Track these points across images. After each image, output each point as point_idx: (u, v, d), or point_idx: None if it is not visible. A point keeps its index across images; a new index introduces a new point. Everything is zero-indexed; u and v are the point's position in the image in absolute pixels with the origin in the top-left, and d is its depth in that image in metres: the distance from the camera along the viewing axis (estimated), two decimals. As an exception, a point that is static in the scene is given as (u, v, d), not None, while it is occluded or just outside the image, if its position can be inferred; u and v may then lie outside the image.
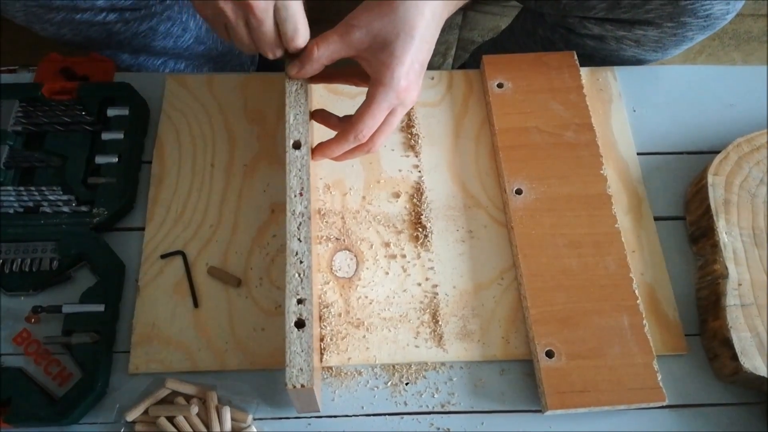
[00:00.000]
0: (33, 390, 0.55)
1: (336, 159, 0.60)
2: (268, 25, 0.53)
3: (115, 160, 0.65)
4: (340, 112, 0.61)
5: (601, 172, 0.66)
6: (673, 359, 0.60)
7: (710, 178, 0.63)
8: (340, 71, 0.62)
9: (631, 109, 0.73)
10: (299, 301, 0.51)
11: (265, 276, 0.62)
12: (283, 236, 0.63)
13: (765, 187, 0.63)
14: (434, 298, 0.61)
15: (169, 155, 0.68)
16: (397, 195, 0.67)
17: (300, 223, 0.54)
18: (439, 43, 0.57)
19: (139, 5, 0.76)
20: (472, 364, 0.59)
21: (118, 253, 0.62)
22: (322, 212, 0.65)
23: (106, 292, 0.59)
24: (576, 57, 0.72)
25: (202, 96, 0.71)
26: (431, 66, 0.58)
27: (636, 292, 0.60)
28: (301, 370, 0.49)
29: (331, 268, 0.62)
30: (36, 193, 0.63)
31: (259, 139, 0.69)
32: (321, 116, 0.61)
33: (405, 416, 0.57)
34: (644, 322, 0.58)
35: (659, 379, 0.56)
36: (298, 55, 0.56)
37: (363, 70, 0.57)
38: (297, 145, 0.57)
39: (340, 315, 0.60)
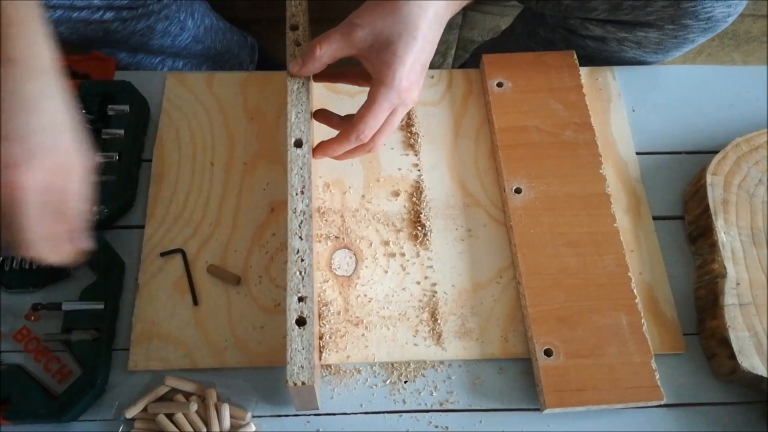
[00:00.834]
0: (33, 387, 0.55)
1: (337, 158, 0.60)
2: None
3: (115, 158, 0.65)
4: (341, 111, 0.61)
5: (600, 171, 0.66)
6: (671, 358, 0.60)
7: (709, 178, 0.64)
8: (342, 71, 0.62)
9: (630, 108, 0.73)
10: (300, 299, 0.51)
11: (264, 274, 0.62)
12: (282, 235, 0.64)
13: (763, 186, 0.64)
14: (433, 296, 0.61)
15: (169, 153, 0.68)
16: (396, 194, 0.67)
17: (301, 221, 0.54)
18: (439, 42, 0.57)
19: (137, 4, 0.76)
20: (471, 363, 0.59)
21: (118, 251, 0.62)
22: (322, 211, 0.65)
23: (106, 289, 0.60)
24: (575, 57, 0.72)
25: (202, 94, 0.71)
26: (431, 65, 0.58)
27: (634, 291, 0.60)
28: (302, 367, 0.49)
29: (331, 267, 0.62)
30: (36, 191, 0.63)
31: (258, 138, 0.69)
32: (322, 116, 0.61)
33: (404, 414, 0.57)
34: (642, 321, 0.59)
35: (657, 378, 0.56)
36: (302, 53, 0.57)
37: (365, 70, 0.57)
38: (298, 144, 0.57)
39: (339, 313, 0.60)
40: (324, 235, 0.64)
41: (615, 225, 0.63)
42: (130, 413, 0.55)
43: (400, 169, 0.68)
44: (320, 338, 0.59)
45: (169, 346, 0.58)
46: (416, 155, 0.69)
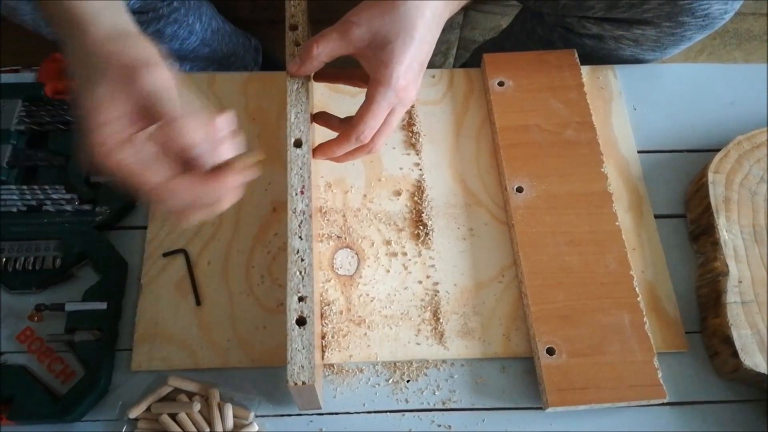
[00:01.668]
0: (36, 387, 0.56)
1: (337, 160, 0.60)
2: None
3: (118, 158, 0.66)
4: (341, 111, 0.61)
5: (602, 170, 0.66)
6: (673, 356, 0.60)
7: (711, 176, 0.63)
8: (342, 72, 0.62)
9: (631, 107, 0.73)
10: (300, 299, 0.51)
11: (266, 274, 0.62)
12: (284, 234, 0.63)
13: (765, 184, 0.63)
14: (435, 295, 0.62)
15: (171, 154, 0.68)
16: (398, 193, 0.67)
17: (301, 221, 0.54)
18: (440, 42, 0.57)
19: (147, 8, 0.76)
20: (473, 362, 0.59)
21: (121, 252, 0.62)
22: (324, 210, 0.65)
23: (109, 290, 0.60)
24: (576, 55, 0.72)
25: (204, 95, 0.72)
26: (432, 65, 0.58)
27: (636, 289, 0.60)
28: (303, 367, 0.49)
29: (333, 266, 0.63)
30: (39, 192, 0.63)
31: (260, 138, 0.69)
32: (322, 119, 0.61)
33: (406, 413, 0.57)
34: (645, 319, 0.59)
35: (660, 376, 0.56)
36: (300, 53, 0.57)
37: (364, 71, 0.57)
38: (298, 144, 0.57)
39: (341, 313, 0.60)
40: (326, 235, 0.64)
41: (617, 223, 0.63)
42: (134, 413, 0.55)
43: (401, 169, 0.68)
44: (323, 338, 0.59)
45: (172, 346, 0.59)
46: (418, 155, 0.69)
